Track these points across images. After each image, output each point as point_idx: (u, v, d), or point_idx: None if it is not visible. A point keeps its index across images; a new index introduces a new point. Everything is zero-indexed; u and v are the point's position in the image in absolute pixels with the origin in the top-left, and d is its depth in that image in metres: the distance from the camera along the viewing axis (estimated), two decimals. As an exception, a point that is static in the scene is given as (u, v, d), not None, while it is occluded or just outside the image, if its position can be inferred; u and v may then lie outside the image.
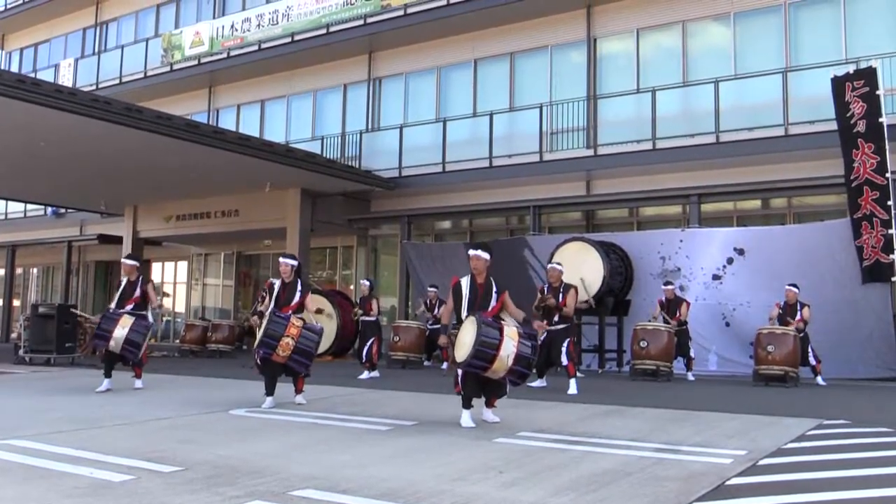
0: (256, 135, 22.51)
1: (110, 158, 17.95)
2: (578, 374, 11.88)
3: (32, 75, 23.41)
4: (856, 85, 13.94)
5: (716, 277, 15.29)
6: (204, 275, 27.43)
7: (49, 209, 27.95)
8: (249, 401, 9.44)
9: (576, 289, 11.79)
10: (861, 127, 13.86)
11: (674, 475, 5.34)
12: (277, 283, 9.41)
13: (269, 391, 9.18)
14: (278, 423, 7.88)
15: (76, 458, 5.76)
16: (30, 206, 28.58)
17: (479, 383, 7.70)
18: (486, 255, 7.93)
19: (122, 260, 11.58)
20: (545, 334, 11.18)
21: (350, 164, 21.23)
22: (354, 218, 21.86)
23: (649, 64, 18.37)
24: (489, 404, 7.92)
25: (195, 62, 24.98)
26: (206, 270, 27.45)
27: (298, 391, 9.44)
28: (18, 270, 32.20)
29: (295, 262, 9.54)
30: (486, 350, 7.29)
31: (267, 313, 9.06)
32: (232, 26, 24.16)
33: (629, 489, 4.95)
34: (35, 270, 33.07)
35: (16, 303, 31.76)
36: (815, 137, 15.19)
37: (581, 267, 14.69)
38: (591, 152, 18.12)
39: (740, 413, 8.71)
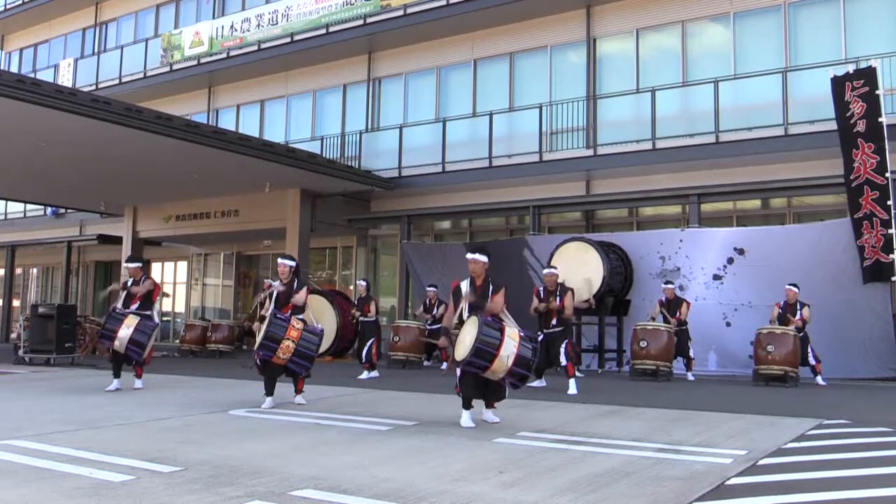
0: (256, 135, 22.51)
1: (110, 159, 17.94)
2: (578, 374, 11.90)
3: (32, 75, 23.40)
4: (855, 85, 13.95)
5: (716, 277, 15.29)
6: (204, 275, 27.42)
7: (49, 209, 27.96)
8: (249, 401, 9.45)
9: (573, 291, 11.80)
10: (861, 127, 13.87)
11: (674, 475, 5.34)
12: (276, 285, 9.41)
13: (269, 391, 9.18)
14: (278, 424, 7.89)
15: (76, 459, 5.76)
16: (29, 207, 28.58)
17: (478, 384, 7.70)
18: (483, 258, 7.98)
19: (125, 264, 11.61)
20: (543, 335, 11.21)
21: (350, 164, 21.24)
22: (354, 218, 21.86)
23: (649, 64, 18.37)
24: (489, 406, 7.94)
25: (195, 62, 24.97)
26: (206, 271, 27.44)
27: (298, 391, 9.45)
28: (18, 270, 32.18)
29: (293, 263, 9.54)
30: (486, 349, 7.29)
31: (268, 315, 9.06)
32: (231, 26, 24.16)
33: (629, 489, 4.95)
34: (35, 270, 33.06)
35: (15, 303, 31.75)
36: (814, 137, 15.20)
37: (581, 267, 14.70)
38: (590, 152, 18.12)
39: (740, 413, 8.72)
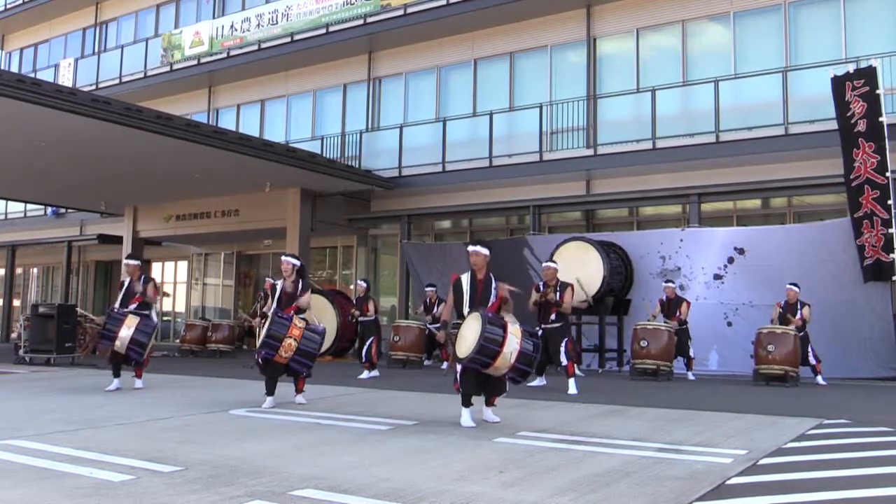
0: (256, 135, 22.51)
1: (110, 158, 17.95)
2: (578, 373, 11.90)
3: (32, 75, 23.41)
4: (856, 84, 13.94)
5: (717, 277, 15.29)
6: (204, 275, 27.43)
7: (49, 209, 27.97)
8: (250, 401, 9.45)
9: (572, 287, 11.76)
10: (861, 126, 13.87)
11: (674, 475, 5.34)
12: (279, 284, 9.41)
13: (270, 391, 9.18)
14: (279, 423, 7.89)
15: (76, 458, 5.76)
16: (30, 206, 28.60)
17: (478, 381, 7.69)
18: (485, 251, 7.94)
19: (125, 261, 11.61)
20: (541, 331, 11.18)
21: (350, 163, 21.24)
22: (354, 218, 21.87)
23: (649, 63, 18.37)
24: (489, 403, 7.91)
25: (195, 62, 24.98)
26: (206, 270, 27.44)
27: (299, 391, 9.45)
28: (18, 270, 32.19)
29: (297, 262, 9.52)
30: (490, 346, 7.28)
31: (270, 314, 9.06)
32: (232, 26, 24.16)
33: (630, 489, 4.95)
34: (35, 270, 33.07)
35: (16, 303, 31.76)
36: (814, 137, 15.20)
37: (581, 267, 14.69)
38: (590, 152, 18.12)
39: (740, 413, 8.72)
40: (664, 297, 14.21)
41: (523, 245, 17.43)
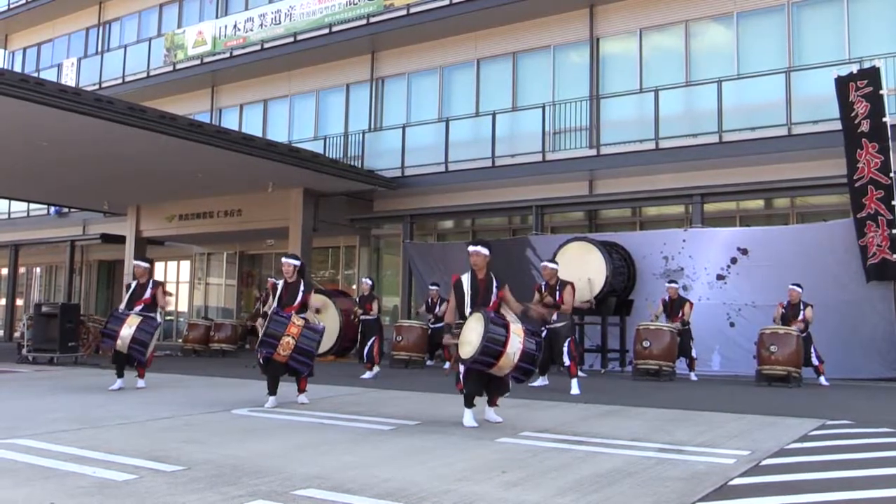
0: (259, 134, 22.53)
1: (113, 158, 17.96)
2: (580, 373, 11.89)
3: (36, 75, 23.43)
4: (859, 85, 13.93)
5: (720, 277, 15.27)
6: (206, 274, 27.45)
7: (52, 209, 28.00)
8: (252, 400, 9.46)
9: (572, 285, 11.72)
10: (865, 127, 13.84)
11: (676, 475, 5.34)
12: (280, 283, 9.42)
13: (272, 391, 9.19)
14: (281, 423, 7.89)
15: (79, 458, 5.77)
16: (33, 206, 28.63)
17: (481, 381, 7.68)
18: (485, 251, 7.92)
19: (134, 262, 11.61)
20: (545, 331, 11.18)
21: (353, 163, 21.25)
22: (357, 218, 21.87)
23: (652, 64, 18.35)
24: (492, 403, 7.90)
25: (198, 62, 24.99)
26: (209, 270, 27.47)
27: (301, 391, 9.45)
28: (21, 270, 32.24)
29: (298, 262, 9.53)
30: (493, 347, 7.27)
31: (269, 313, 9.08)
32: (234, 26, 24.18)
33: (632, 489, 4.95)
34: (38, 270, 33.12)
35: (19, 302, 31.80)
36: (817, 137, 15.18)
37: (583, 267, 14.69)
38: (593, 152, 18.11)
39: (743, 413, 8.71)
40: (667, 298, 14.20)
41: (526, 245, 17.42)
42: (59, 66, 29.09)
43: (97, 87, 26.41)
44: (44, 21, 31.29)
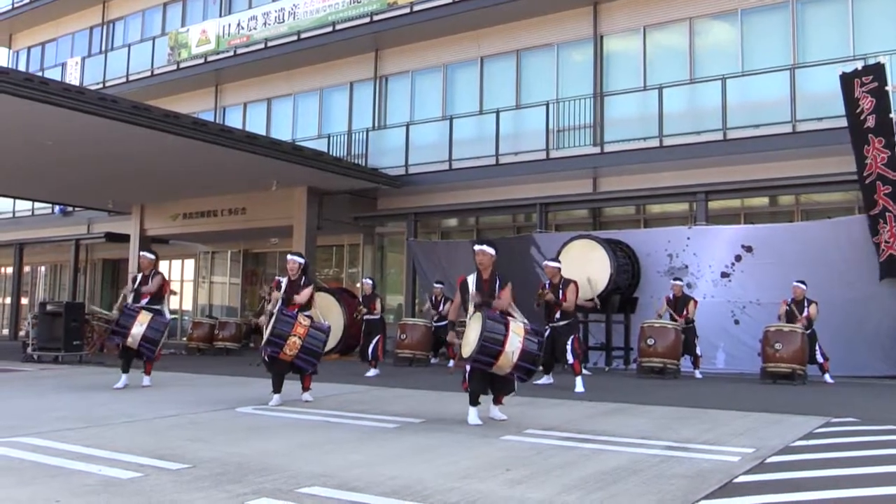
0: (263, 133, 22.54)
1: (117, 157, 17.98)
2: (585, 371, 11.88)
3: (40, 74, 23.46)
4: (864, 81, 13.86)
5: (724, 275, 15.25)
6: (211, 273, 27.49)
7: (56, 207, 28.05)
8: (257, 399, 9.46)
9: (575, 283, 11.71)
10: (871, 122, 13.77)
11: (681, 473, 5.34)
12: (284, 281, 9.43)
13: (277, 389, 9.20)
14: (286, 421, 7.90)
15: (85, 456, 5.78)
16: (37, 205, 28.69)
17: (485, 379, 7.69)
18: (491, 251, 7.93)
19: (141, 253, 11.67)
20: (549, 329, 11.18)
21: (356, 162, 21.25)
22: (361, 216, 21.87)
23: (656, 61, 18.32)
24: (497, 401, 7.92)
25: (202, 60, 25.00)
26: (213, 268, 27.51)
27: (305, 389, 9.47)
28: (26, 268, 32.30)
29: (302, 261, 9.56)
30: (490, 346, 7.28)
31: (274, 311, 9.08)
32: (238, 24, 24.19)
33: (637, 487, 4.94)
34: (43, 268, 33.19)
35: (24, 301, 31.86)
36: (822, 134, 15.14)
37: (588, 265, 14.68)
38: (597, 150, 18.09)
39: (748, 411, 8.70)
40: (671, 295, 14.18)
41: (530, 243, 17.40)
42: (63, 65, 29.13)
43: (101, 86, 26.44)
44: (48, 20, 31.33)
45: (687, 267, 15.54)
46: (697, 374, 13.89)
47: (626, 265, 15.62)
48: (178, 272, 28.26)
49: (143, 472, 5.23)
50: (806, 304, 12.99)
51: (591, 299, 14.34)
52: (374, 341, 14.01)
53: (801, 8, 16.74)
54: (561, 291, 11.49)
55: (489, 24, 20.18)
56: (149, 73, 26.34)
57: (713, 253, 15.38)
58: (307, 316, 9.23)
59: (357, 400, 9.83)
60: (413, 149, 20.65)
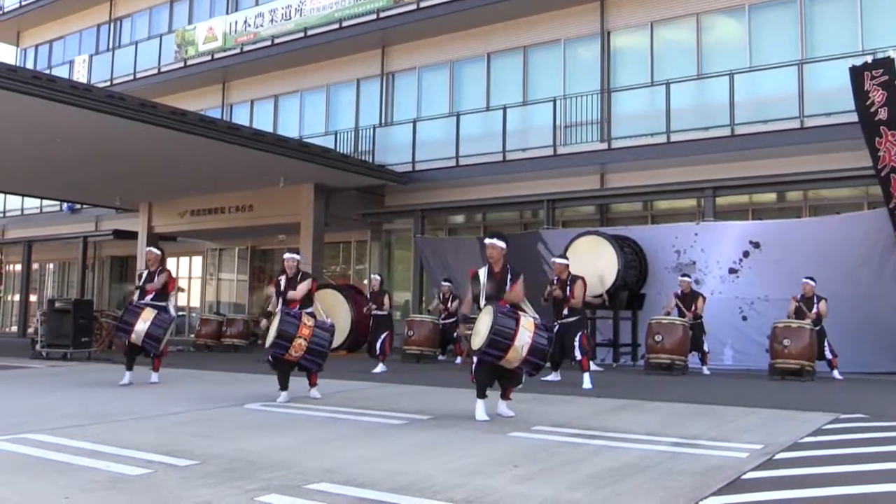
0: (270, 130, 22.56)
1: (125, 154, 18.03)
2: (593, 367, 11.86)
3: (47, 72, 23.53)
4: (874, 74, 13.75)
5: (732, 271, 15.20)
6: (218, 270, 27.54)
7: (65, 205, 28.15)
8: (264, 395, 9.48)
9: (583, 279, 11.71)
10: (883, 114, 13.63)
11: (689, 469, 5.32)
12: (283, 279, 9.44)
13: (283, 386, 9.22)
14: (293, 418, 7.91)
15: (93, 452, 5.79)
16: (45, 202, 28.78)
17: (493, 372, 7.68)
18: (501, 244, 7.93)
19: (147, 248, 11.70)
20: (557, 326, 11.17)
21: (363, 158, 21.25)
22: (368, 213, 21.88)
23: (663, 57, 18.26)
24: (504, 396, 7.92)
25: (209, 58, 25.03)
26: (221, 265, 27.56)
27: (312, 385, 9.48)
28: (35, 266, 32.43)
29: (299, 257, 9.61)
30: (500, 339, 7.28)
31: (277, 311, 9.09)
32: (245, 22, 24.20)
33: (645, 483, 4.93)
34: (51, 266, 33.31)
35: (32, 298, 32.00)
36: (830, 130, 15.07)
37: (595, 261, 14.66)
38: (604, 146, 18.06)
39: (756, 407, 8.68)
40: (679, 292, 14.16)
41: (537, 240, 17.39)
42: (71, 62, 29.19)
43: (108, 83, 26.48)
44: (55, 18, 31.42)
45: (694, 263, 15.50)
46: (705, 371, 13.87)
47: (634, 261, 15.59)
48: (186, 269, 28.31)
49: (152, 469, 5.24)
50: (815, 300, 12.94)
51: (600, 295, 14.32)
52: (381, 337, 14.03)
53: (810, 3, 16.66)
54: (569, 288, 11.48)
55: (496, 21, 20.14)
56: (156, 71, 26.38)
57: (721, 249, 15.34)
58: (310, 315, 9.23)
59: (364, 396, 9.84)
60: (420, 145, 20.64)
